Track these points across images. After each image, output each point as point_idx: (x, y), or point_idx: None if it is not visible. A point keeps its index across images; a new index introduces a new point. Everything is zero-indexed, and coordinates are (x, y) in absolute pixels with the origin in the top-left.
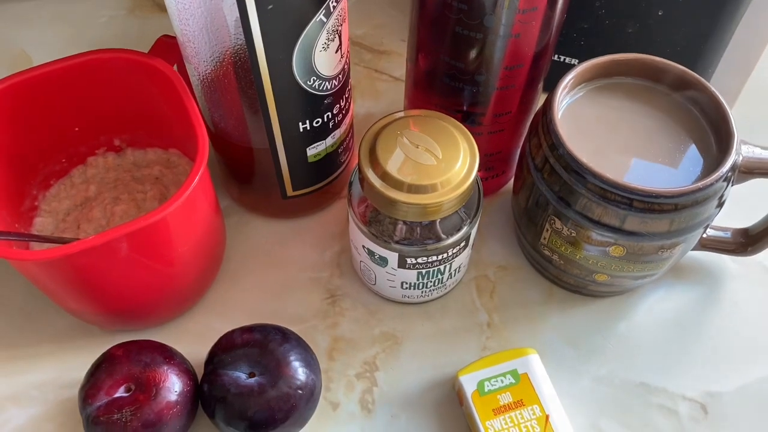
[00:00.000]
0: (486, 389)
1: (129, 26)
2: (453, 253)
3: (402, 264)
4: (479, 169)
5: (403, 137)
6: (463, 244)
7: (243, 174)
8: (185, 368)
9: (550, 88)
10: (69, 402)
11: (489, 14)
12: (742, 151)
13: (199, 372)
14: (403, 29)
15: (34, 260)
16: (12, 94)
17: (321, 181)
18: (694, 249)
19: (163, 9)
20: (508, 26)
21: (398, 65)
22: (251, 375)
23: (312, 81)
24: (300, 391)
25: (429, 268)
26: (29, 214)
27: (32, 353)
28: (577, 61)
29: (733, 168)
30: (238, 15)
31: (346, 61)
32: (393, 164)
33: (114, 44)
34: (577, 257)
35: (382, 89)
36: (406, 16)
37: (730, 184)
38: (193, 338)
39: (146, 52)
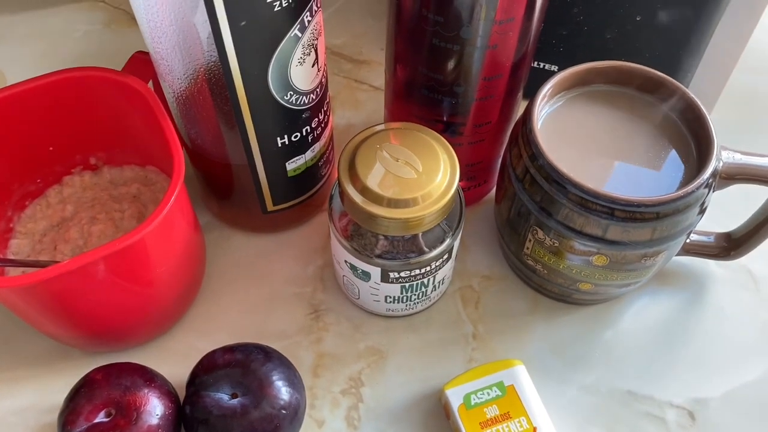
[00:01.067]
0: (472, 402)
1: (105, 40)
2: (436, 266)
3: (385, 278)
4: (461, 179)
5: (383, 151)
6: (446, 256)
7: (222, 190)
8: (167, 390)
9: (530, 95)
10: (50, 427)
11: (465, 26)
12: (722, 157)
13: (181, 393)
14: (382, 38)
15: (9, 287)
16: None
17: (301, 195)
18: (677, 254)
19: None
20: (485, 37)
21: (378, 74)
22: (234, 396)
23: (289, 96)
24: (284, 411)
25: (412, 281)
26: (4, 236)
27: (10, 377)
28: (556, 67)
29: (713, 174)
30: (211, 32)
31: (323, 75)
32: (373, 179)
33: (90, 59)
34: (561, 267)
35: (362, 99)
36: (384, 25)
37: (711, 191)
38: (175, 358)
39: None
